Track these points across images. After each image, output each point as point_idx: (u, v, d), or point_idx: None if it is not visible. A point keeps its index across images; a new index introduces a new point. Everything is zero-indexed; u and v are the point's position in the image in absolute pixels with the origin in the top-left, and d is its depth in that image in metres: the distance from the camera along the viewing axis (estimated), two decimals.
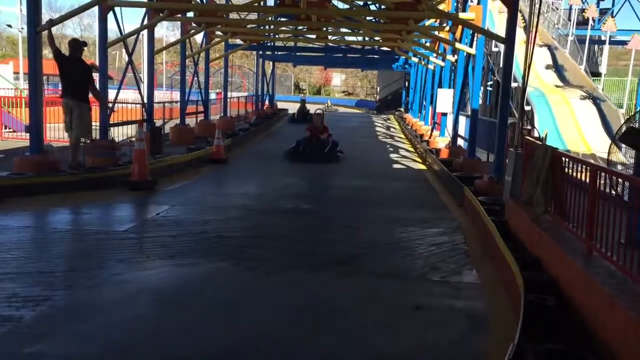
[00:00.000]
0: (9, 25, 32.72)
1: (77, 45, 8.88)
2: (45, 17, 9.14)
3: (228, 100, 20.20)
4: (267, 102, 28.82)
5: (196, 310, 4.18)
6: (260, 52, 26.03)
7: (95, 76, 10.03)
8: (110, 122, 11.19)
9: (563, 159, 5.22)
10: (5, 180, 7.91)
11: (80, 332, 3.68)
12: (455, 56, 15.02)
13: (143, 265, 5.19)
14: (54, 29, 9.02)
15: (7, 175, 8.25)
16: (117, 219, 7.36)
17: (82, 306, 4.12)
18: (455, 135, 13.45)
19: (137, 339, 3.65)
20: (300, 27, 17.87)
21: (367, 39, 21.14)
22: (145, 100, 13.35)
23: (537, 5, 6.83)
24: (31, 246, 5.75)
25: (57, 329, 3.71)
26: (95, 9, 10.53)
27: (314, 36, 18.55)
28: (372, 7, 18.50)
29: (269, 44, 24.23)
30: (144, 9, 12.78)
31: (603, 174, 4.26)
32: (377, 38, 18.80)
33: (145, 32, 13.03)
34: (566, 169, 5.12)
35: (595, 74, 24.55)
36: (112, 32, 11.60)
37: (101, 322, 3.86)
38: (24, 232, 6.29)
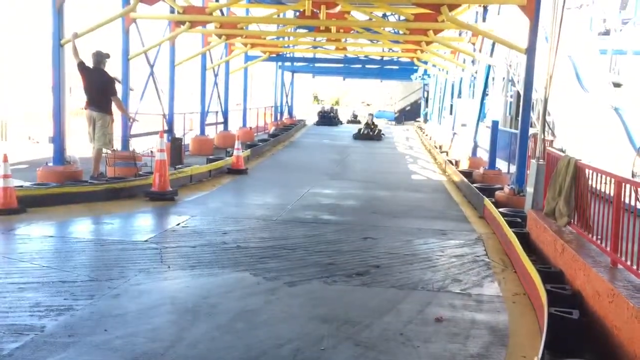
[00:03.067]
0: None
1: (100, 56, 9.01)
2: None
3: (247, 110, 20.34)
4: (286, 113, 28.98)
5: (216, 320, 4.19)
6: (280, 63, 26.18)
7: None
8: (131, 133, 11.32)
9: (586, 170, 5.15)
10: (28, 191, 8.02)
11: (102, 342, 3.70)
12: (475, 66, 14.97)
13: (163, 275, 5.22)
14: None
15: (30, 185, 8.38)
16: (138, 229, 7.42)
17: (103, 316, 4.15)
18: (475, 146, 13.36)
19: (158, 349, 3.66)
20: (319, 38, 17.95)
21: (386, 49, 21.15)
22: (166, 112, 13.49)
23: (560, 15, 6.78)
24: (54, 256, 5.82)
25: (80, 339, 3.73)
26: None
27: (333, 47, 18.61)
28: (392, 18, 18.52)
29: (288, 55, 24.36)
30: (166, 22, 12.94)
31: (628, 185, 4.19)
32: (396, 49, 18.80)
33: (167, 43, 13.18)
34: (590, 180, 5.05)
35: (617, 84, 24.26)
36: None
37: (123, 331, 3.88)
38: (46, 241, 6.36)
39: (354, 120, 34.17)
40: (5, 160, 7.48)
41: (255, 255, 6.06)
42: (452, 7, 9.61)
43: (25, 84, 25.46)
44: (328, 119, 29.84)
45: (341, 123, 31.35)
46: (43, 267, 5.27)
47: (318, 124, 28.98)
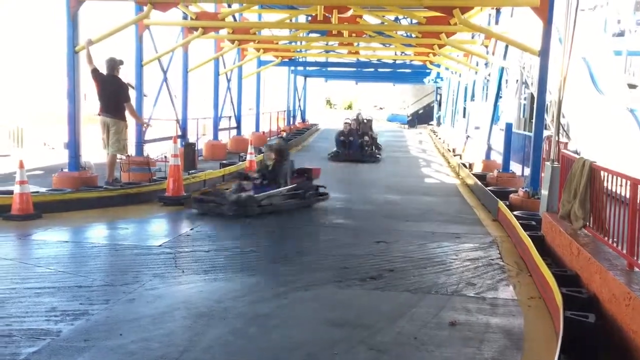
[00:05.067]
0: None
1: (114, 63, 9.08)
2: None
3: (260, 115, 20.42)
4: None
5: (230, 324, 4.20)
6: (292, 68, 26.26)
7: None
8: (145, 139, 11.41)
9: (602, 172, 5.11)
10: (44, 196, 8.10)
11: (117, 346, 3.73)
12: (488, 69, 14.91)
13: (178, 280, 5.25)
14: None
15: (46, 191, 8.46)
16: (152, 233, 7.47)
17: (119, 320, 4.17)
18: (489, 149, 13.30)
19: (173, 353, 3.67)
20: (331, 43, 17.98)
21: (398, 53, 21.14)
22: (180, 117, 13.57)
23: (574, 16, 6.74)
24: (69, 261, 5.87)
25: (95, 343, 3.76)
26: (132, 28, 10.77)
27: (345, 51, 18.63)
28: (404, 22, 18.52)
29: (300, 60, 24.45)
30: (178, 28, 13.04)
31: None
32: (408, 52, 18.80)
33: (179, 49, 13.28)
34: (605, 183, 5.01)
35: (632, 85, 24.04)
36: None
37: (138, 336, 3.90)
38: (62, 246, 6.42)
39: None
40: (22, 166, 7.57)
41: (269, 259, 6.07)
42: (464, 10, 9.58)
43: (41, 90, 25.75)
44: (354, 147, 16.69)
45: (378, 156, 17.23)
46: (59, 272, 5.31)
47: (334, 158, 16.34)
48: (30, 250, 6.28)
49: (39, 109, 22.00)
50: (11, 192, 7.62)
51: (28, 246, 6.43)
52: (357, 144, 16.63)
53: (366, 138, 17.30)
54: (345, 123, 17.22)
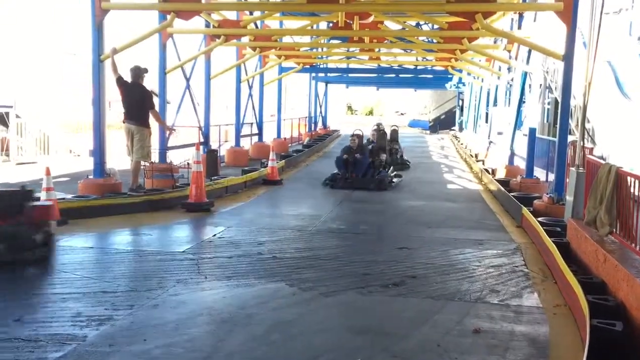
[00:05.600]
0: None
1: (138, 71, 9.21)
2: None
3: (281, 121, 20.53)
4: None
5: (252, 331, 4.21)
6: (313, 74, 26.34)
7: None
8: (168, 145, 11.53)
9: (628, 177, 5.03)
10: (70, 203, 8.23)
11: (141, 352, 3.76)
12: (511, 74, 14.79)
13: (201, 286, 5.28)
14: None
15: (72, 197, 8.59)
16: (175, 240, 7.53)
17: (143, 326, 4.21)
18: (512, 154, 13.18)
19: (197, 359, 3.69)
20: (352, 49, 18.01)
21: (420, 58, 21.08)
22: (202, 124, 13.69)
23: (598, 20, 6.65)
24: (94, 266, 5.94)
25: (120, 348, 3.80)
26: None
27: (366, 57, 18.65)
28: (425, 27, 18.47)
29: (321, 66, 24.51)
30: (201, 36, 13.17)
31: None
32: (430, 57, 18.73)
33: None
34: (632, 188, 4.92)
35: None
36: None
37: (162, 341, 3.93)
38: (87, 252, 6.51)
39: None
40: (48, 173, 7.69)
41: (291, 265, 6.07)
42: (487, 15, 9.52)
43: (66, 98, 26.20)
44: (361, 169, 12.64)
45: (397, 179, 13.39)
46: (84, 278, 5.38)
47: (329, 183, 12.43)
48: (56, 256, 6.37)
49: (64, 117, 22.36)
50: (37, 199, 7.75)
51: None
52: (366, 164, 12.42)
53: (383, 156, 13.73)
54: (353, 137, 12.92)
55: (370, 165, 12.58)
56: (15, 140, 17.58)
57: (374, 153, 13.47)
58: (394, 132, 17.71)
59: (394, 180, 12.84)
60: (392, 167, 13.73)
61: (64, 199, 8.29)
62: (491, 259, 6.50)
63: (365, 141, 14.23)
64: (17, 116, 18.29)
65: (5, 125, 17.87)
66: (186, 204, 9.03)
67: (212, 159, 12.39)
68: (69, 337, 3.95)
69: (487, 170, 13.74)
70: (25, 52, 25.31)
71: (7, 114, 17.70)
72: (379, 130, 15.98)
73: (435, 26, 14.29)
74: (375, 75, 27.25)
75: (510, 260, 6.45)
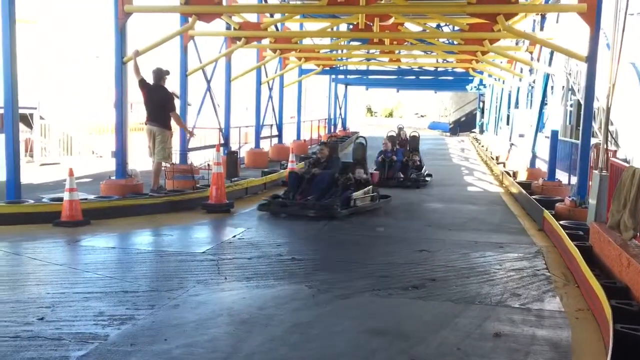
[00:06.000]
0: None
1: (161, 73, 9.30)
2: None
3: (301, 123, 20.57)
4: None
5: (272, 332, 4.22)
6: (333, 76, 26.36)
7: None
8: (189, 147, 11.62)
9: None
10: (92, 203, 8.34)
11: (162, 351, 3.79)
12: (533, 76, 14.66)
13: (221, 286, 5.31)
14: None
15: (94, 198, 8.70)
16: (195, 240, 7.58)
17: (164, 326, 4.25)
18: (533, 157, 13.05)
19: (217, 359, 3.72)
20: (372, 50, 17.98)
21: (440, 60, 20.98)
22: (223, 126, 13.77)
23: (622, 21, 6.56)
24: (116, 266, 6.01)
25: (141, 348, 3.84)
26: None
27: (386, 59, 18.60)
28: (446, 29, 18.38)
29: (341, 68, 24.52)
30: (222, 38, 13.25)
31: None
32: (450, 59, 18.63)
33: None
34: None
35: None
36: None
37: (182, 341, 3.96)
38: (109, 252, 6.59)
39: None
40: (71, 174, 7.81)
41: (310, 267, 6.08)
42: (508, 17, 9.45)
43: (89, 100, 26.54)
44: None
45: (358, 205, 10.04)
46: (106, 277, 5.45)
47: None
48: (79, 256, 6.46)
49: (87, 118, 22.66)
50: (61, 199, 7.87)
51: (77, 252, 6.61)
52: (325, 182, 9.46)
53: (359, 172, 10.18)
54: (322, 145, 10.90)
55: (332, 182, 9.50)
56: (39, 142, 17.87)
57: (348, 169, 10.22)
58: (414, 140, 15.52)
59: (345, 211, 8.97)
60: (370, 188, 9.94)
61: (86, 199, 8.41)
62: (512, 262, 6.44)
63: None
64: (41, 117, 18.60)
65: (30, 126, 18.18)
66: (206, 205, 9.09)
67: (232, 160, 12.46)
68: (91, 335, 4.00)
69: (508, 173, 13.63)
70: (49, 54, 25.67)
71: (31, 115, 18.00)
72: (403, 135, 16.49)
73: (456, 28, 14.20)
74: (395, 77, 27.16)
75: (531, 264, 6.39)
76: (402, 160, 13.71)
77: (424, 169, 13.97)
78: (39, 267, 5.77)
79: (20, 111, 8.66)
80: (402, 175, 13.10)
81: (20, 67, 8.19)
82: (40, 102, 18.73)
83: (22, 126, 17.32)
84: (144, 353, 3.76)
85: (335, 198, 9.04)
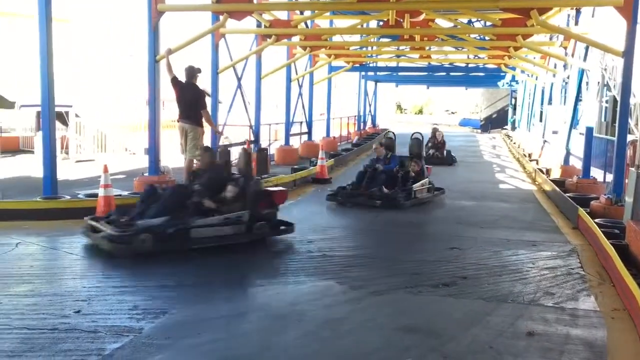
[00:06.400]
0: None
1: (192, 71, 9.38)
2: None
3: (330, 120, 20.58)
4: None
5: (304, 327, 4.25)
6: (363, 73, 26.29)
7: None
8: (220, 144, 11.70)
9: None
10: (126, 199, 8.46)
11: (196, 345, 3.85)
12: (567, 71, 14.40)
13: (253, 282, 5.36)
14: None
15: (128, 194, 8.84)
16: None
17: (197, 320, 4.30)
18: (567, 154, 12.82)
19: (249, 354, 3.76)
20: (402, 47, 17.88)
21: (471, 56, 20.76)
22: (253, 123, 13.86)
23: None
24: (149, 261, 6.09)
25: (175, 341, 3.90)
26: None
27: (416, 55, 18.49)
28: (477, 24, 18.16)
29: (371, 65, 24.43)
30: (252, 35, 13.33)
31: None
32: (482, 55, 18.41)
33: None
34: None
35: None
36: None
37: (215, 336, 4.02)
38: None
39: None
40: (106, 171, 7.95)
41: (341, 264, 6.09)
42: (542, 11, 9.29)
43: (122, 98, 26.99)
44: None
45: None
46: (139, 272, 5.54)
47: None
48: None
49: (120, 116, 23.05)
50: (96, 195, 8.02)
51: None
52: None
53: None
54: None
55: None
56: (74, 139, 18.25)
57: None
58: (390, 142, 11.49)
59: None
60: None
61: (120, 195, 8.55)
62: (545, 261, 6.35)
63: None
64: (76, 115, 18.97)
65: (65, 124, 18.56)
66: None
67: (262, 157, 12.52)
68: (126, 328, 4.08)
69: (541, 170, 13.42)
70: (84, 53, 26.20)
71: (66, 113, 18.38)
72: (439, 138, 17.49)
73: (488, 23, 14.03)
74: (425, 73, 26.94)
75: (565, 263, 6.29)
76: (394, 170, 10.28)
77: (425, 180, 10.33)
78: (76, 262, 5.91)
79: (56, 109, 8.84)
80: (386, 190, 9.70)
81: (56, 66, 8.36)
82: (75, 100, 19.11)
83: (58, 124, 17.71)
84: (177, 346, 3.82)
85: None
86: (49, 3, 8.13)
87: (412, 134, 11.96)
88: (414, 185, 9.92)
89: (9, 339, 3.86)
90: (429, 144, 16.92)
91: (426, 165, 10.93)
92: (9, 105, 24.05)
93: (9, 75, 25.30)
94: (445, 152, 17.15)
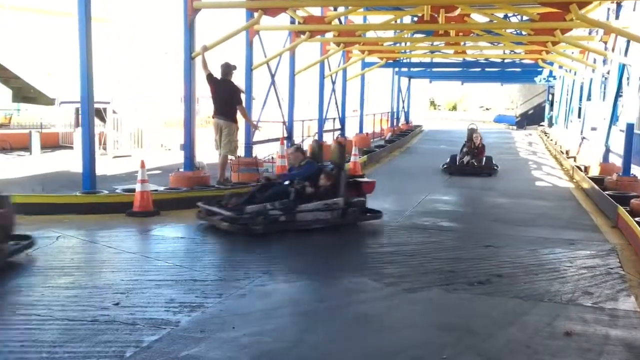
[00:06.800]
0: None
1: (228, 68, 9.48)
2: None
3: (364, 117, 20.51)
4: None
5: (335, 323, 4.26)
6: (396, 69, 26.10)
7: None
8: (254, 140, 11.80)
9: None
10: (162, 194, 8.62)
11: (230, 339, 3.90)
12: (607, 66, 14.05)
13: (285, 277, 5.40)
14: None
15: (163, 189, 8.99)
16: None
17: (232, 314, 4.36)
18: (607, 151, 12.52)
19: (282, 349, 3.79)
20: (437, 43, 17.70)
21: (507, 51, 20.41)
22: (286, 119, 13.91)
23: None
24: (185, 256, 6.20)
25: (211, 334, 3.96)
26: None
27: (451, 51, 18.27)
28: (514, 19, 17.85)
29: (405, 61, 24.25)
30: (286, 32, 13.36)
31: None
32: (519, 50, 18.09)
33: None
34: None
35: None
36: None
37: (249, 330, 4.06)
38: (178, 242, 6.80)
39: None
40: (143, 166, 8.09)
41: (375, 260, 6.08)
42: (582, 5, 9.07)
43: (158, 94, 27.40)
44: None
45: None
46: (176, 266, 5.63)
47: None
48: (150, 245, 6.71)
49: (156, 112, 23.41)
50: (133, 190, 8.18)
51: (148, 241, 6.86)
52: None
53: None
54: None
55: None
56: (111, 135, 18.60)
57: None
58: (316, 146, 8.59)
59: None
60: None
61: (156, 190, 8.69)
62: (584, 260, 6.23)
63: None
64: (114, 112, 19.33)
65: (103, 120, 18.94)
66: None
67: None
68: (163, 321, 4.15)
69: (579, 168, 13.15)
70: (121, 51, 26.66)
71: (104, 109, 18.74)
72: (475, 141, 14.12)
73: (525, 18, 13.78)
74: (460, 69, 26.59)
75: (604, 262, 6.15)
76: (289, 183, 7.70)
77: (337, 200, 7.57)
78: (114, 255, 6.03)
79: (95, 106, 9.03)
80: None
81: (94, 63, 8.53)
82: (113, 97, 19.47)
83: (96, 120, 18.09)
84: (213, 340, 3.88)
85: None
86: (89, 3, 8.30)
87: (336, 139, 11.01)
88: (303, 205, 7.30)
89: (51, 330, 3.98)
90: (464, 149, 14.17)
91: (367, 179, 8.65)
92: (50, 101, 24.67)
93: (50, 72, 25.92)
94: (484, 159, 13.98)
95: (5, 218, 5.57)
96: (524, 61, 22.93)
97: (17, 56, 23.02)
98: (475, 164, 13.70)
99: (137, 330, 3.99)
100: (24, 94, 26.13)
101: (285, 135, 13.72)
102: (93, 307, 4.42)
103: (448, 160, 14.01)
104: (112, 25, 25.05)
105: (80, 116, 9.70)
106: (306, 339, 3.98)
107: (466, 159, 13.83)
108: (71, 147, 18.67)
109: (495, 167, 13.97)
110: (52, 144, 20.12)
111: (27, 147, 18.44)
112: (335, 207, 7.48)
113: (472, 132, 14.37)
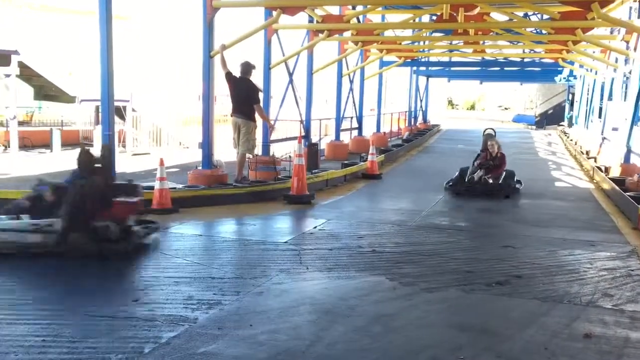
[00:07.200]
0: None
1: (248, 67, 9.52)
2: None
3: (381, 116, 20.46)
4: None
5: (353, 322, 4.25)
6: (414, 68, 26.01)
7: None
8: (271, 139, 11.84)
9: None
10: (180, 192, 8.68)
11: (248, 336, 3.92)
12: (629, 66, 13.87)
13: (302, 276, 5.40)
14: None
15: (182, 187, 9.05)
16: (277, 230, 7.74)
17: (249, 311, 4.38)
18: (628, 151, 12.36)
19: (300, 347, 3.79)
20: (456, 42, 17.60)
21: (527, 50, 20.23)
22: (304, 118, 13.93)
23: None
24: (203, 253, 6.25)
25: (228, 332, 3.98)
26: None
27: (470, 50, 18.15)
28: (534, 18, 17.69)
29: (423, 60, 24.15)
30: (304, 31, 13.39)
31: None
32: (538, 49, 17.93)
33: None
34: None
35: None
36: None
37: (266, 327, 4.07)
38: (197, 240, 6.85)
39: None
40: (162, 164, 8.15)
41: (391, 259, 6.07)
42: (604, 4, 8.97)
43: (177, 93, 27.56)
44: None
45: None
46: (194, 264, 5.67)
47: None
48: (169, 242, 6.74)
49: (174, 110, 23.56)
50: (152, 188, 8.24)
51: (167, 238, 6.90)
52: None
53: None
54: None
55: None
56: (131, 133, 18.79)
57: None
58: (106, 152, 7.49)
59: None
60: None
61: (175, 188, 8.76)
62: (604, 262, 6.15)
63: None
64: (133, 110, 19.52)
65: (122, 118, 19.12)
66: (288, 196, 9.24)
67: (312, 152, 12.59)
68: (182, 318, 4.19)
69: (599, 168, 12.99)
70: (140, 49, 26.84)
71: (124, 107, 18.93)
72: (492, 148, 11.10)
73: (546, 16, 13.64)
74: (478, 68, 26.41)
75: (625, 264, 6.07)
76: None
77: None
78: (131, 252, 6.06)
79: (115, 104, 9.12)
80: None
81: (114, 62, 8.62)
82: (132, 95, 19.65)
83: (115, 118, 18.28)
84: (230, 337, 3.90)
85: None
86: (109, 1, 8.38)
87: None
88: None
89: (71, 325, 4.02)
90: (476, 162, 11.21)
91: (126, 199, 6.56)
92: (70, 99, 24.95)
93: (72, 72, 26.20)
94: (502, 174, 10.99)
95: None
96: (543, 60, 22.73)
97: (40, 55, 23.28)
98: (491, 181, 10.78)
99: (156, 326, 4.02)
100: (46, 92, 26.44)
101: (303, 134, 13.75)
102: (112, 303, 4.47)
103: (456, 174, 11.19)
104: (132, 23, 25.22)
105: (100, 114, 9.79)
106: (324, 337, 3.98)
107: (478, 174, 10.88)
108: (91, 145, 18.87)
109: (518, 185, 11.05)
110: (72, 141, 20.38)
111: (48, 145, 18.69)
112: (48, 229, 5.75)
113: (487, 138, 11.48)
